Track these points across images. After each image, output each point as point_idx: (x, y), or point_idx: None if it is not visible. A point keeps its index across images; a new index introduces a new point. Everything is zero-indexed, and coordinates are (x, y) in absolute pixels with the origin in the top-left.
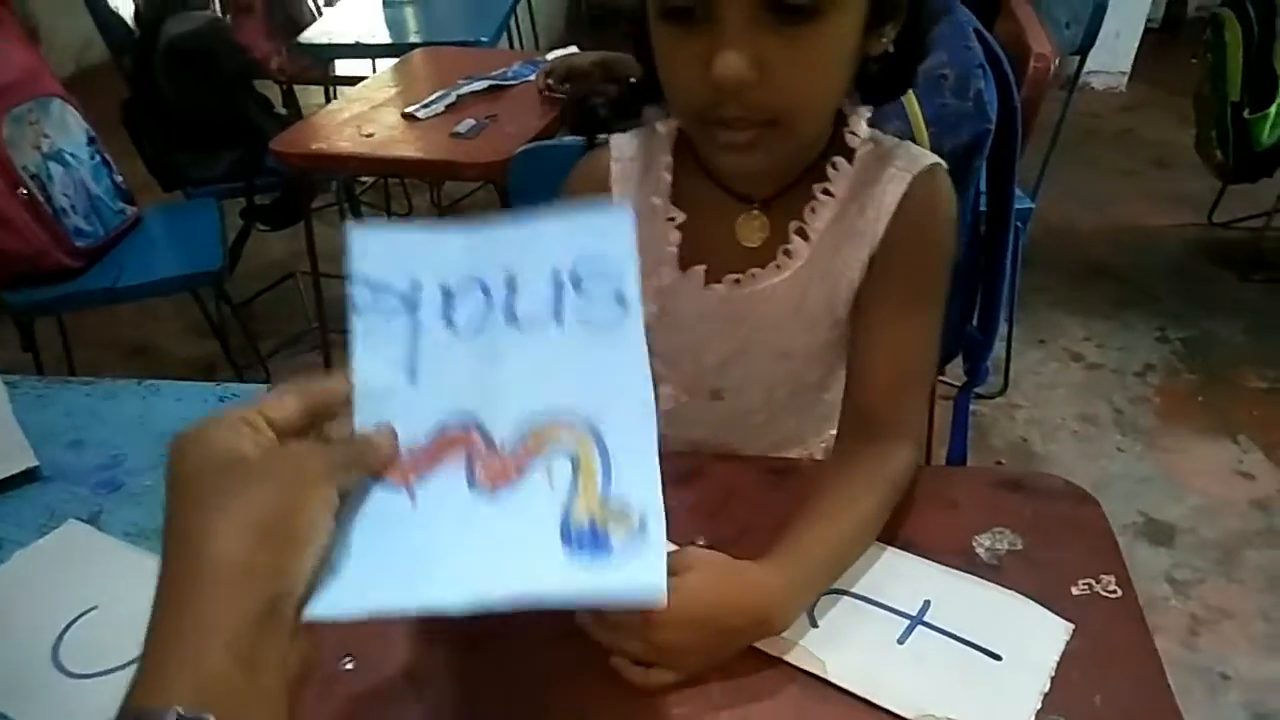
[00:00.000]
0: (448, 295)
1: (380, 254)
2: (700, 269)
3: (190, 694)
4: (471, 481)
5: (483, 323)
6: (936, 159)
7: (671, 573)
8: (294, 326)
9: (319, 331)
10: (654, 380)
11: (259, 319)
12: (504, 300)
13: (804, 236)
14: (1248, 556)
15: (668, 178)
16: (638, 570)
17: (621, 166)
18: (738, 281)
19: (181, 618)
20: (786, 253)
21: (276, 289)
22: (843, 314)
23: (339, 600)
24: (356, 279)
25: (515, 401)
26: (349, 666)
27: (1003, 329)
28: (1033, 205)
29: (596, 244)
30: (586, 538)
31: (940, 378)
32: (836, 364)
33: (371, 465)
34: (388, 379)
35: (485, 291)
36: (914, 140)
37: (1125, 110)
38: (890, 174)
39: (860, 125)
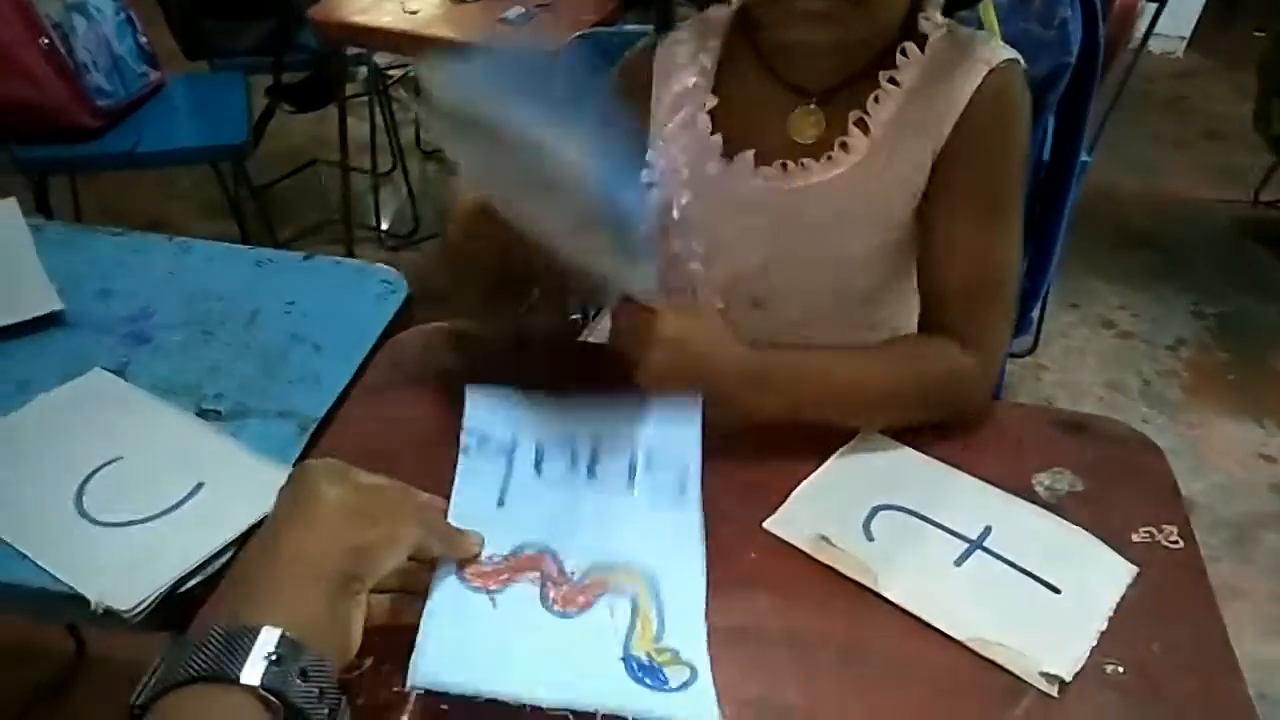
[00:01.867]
0: (540, 451)
1: (489, 409)
2: (749, 154)
3: (285, 622)
4: (544, 599)
5: (566, 477)
6: (1015, 55)
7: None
8: (313, 216)
9: (344, 225)
10: (692, 284)
11: (277, 205)
12: (587, 463)
13: (864, 130)
14: (1263, 538)
15: (707, 62)
16: (693, 698)
17: (667, 53)
18: (785, 169)
19: (291, 563)
20: (844, 146)
21: (297, 176)
22: (900, 217)
23: (431, 672)
24: (469, 430)
25: (587, 541)
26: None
27: None
28: (1088, 160)
29: (667, 431)
30: (645, 667)
31: None
32: (888, 275)
33: (456, 547)
34: (480, 505)
35: (573, 455)
36: None
37: (1180, 78)
38: (965, 65)
39: (935, 12)
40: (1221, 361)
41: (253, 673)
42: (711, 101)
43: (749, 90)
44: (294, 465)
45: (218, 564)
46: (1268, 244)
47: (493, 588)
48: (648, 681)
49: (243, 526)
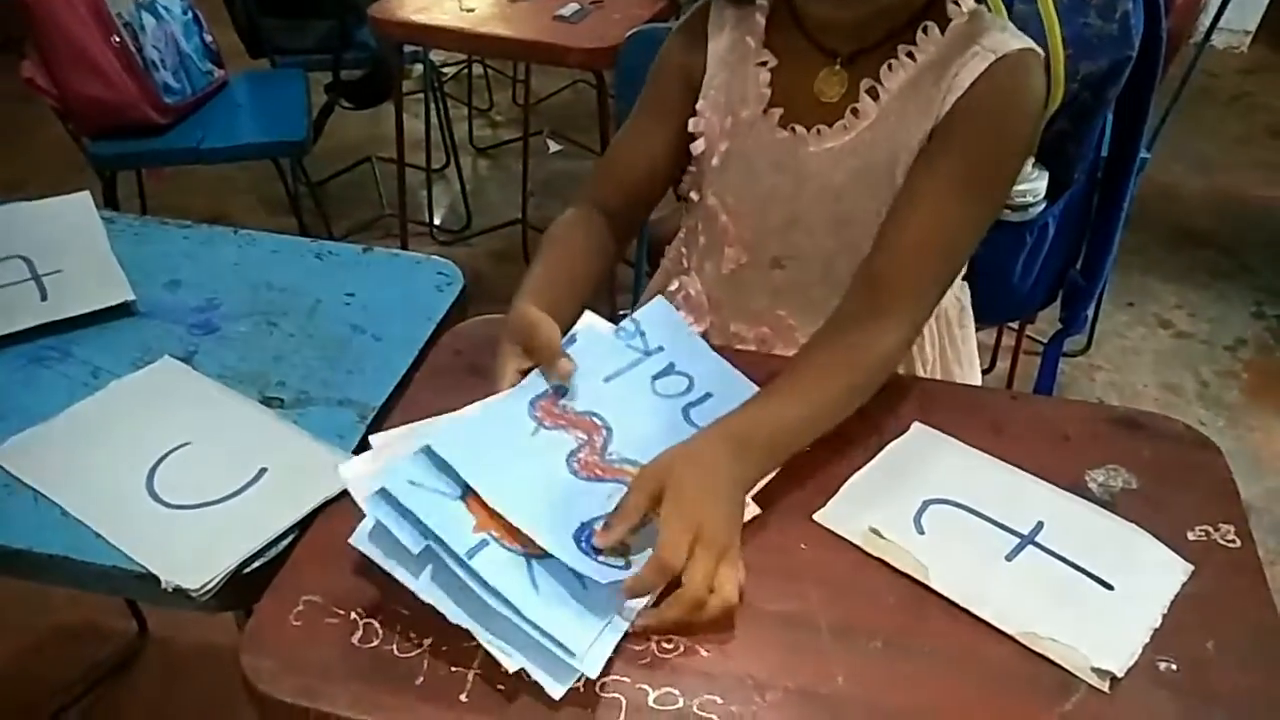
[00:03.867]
0: (665, 369)
1: (665, 321)
2: (777, 111)
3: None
4: (572, 455)
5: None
6: (1034, 46)
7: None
8: (367, 212)
9: (399, 219)
10: (720, 238)
11: (332, 200)
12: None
13: (874, 96)
14: None
15: (761, 21)
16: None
17: (720, 10)
18: (805, 130)
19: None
20: (854, 112)
21: (351, 172)
22: (900, 184)
23: (445, 441)
24: (637, 319)
25: (639, 441)
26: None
27: None
28: (1147, 156)
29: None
30: (590, 544)
31: (1028, 331)
32: None
33: (552, 362)
34: (594, 369)
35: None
36: (1048, 64)
37: (1244, 73)
38: (974, 50)
39: None
40: None
41: None
42: (773, 61)
43: (789, 48)
44: (352, 452)
45: (281, 545)
46: None
47: (546, 423)
48: (582, 547)
49: (305, 509)
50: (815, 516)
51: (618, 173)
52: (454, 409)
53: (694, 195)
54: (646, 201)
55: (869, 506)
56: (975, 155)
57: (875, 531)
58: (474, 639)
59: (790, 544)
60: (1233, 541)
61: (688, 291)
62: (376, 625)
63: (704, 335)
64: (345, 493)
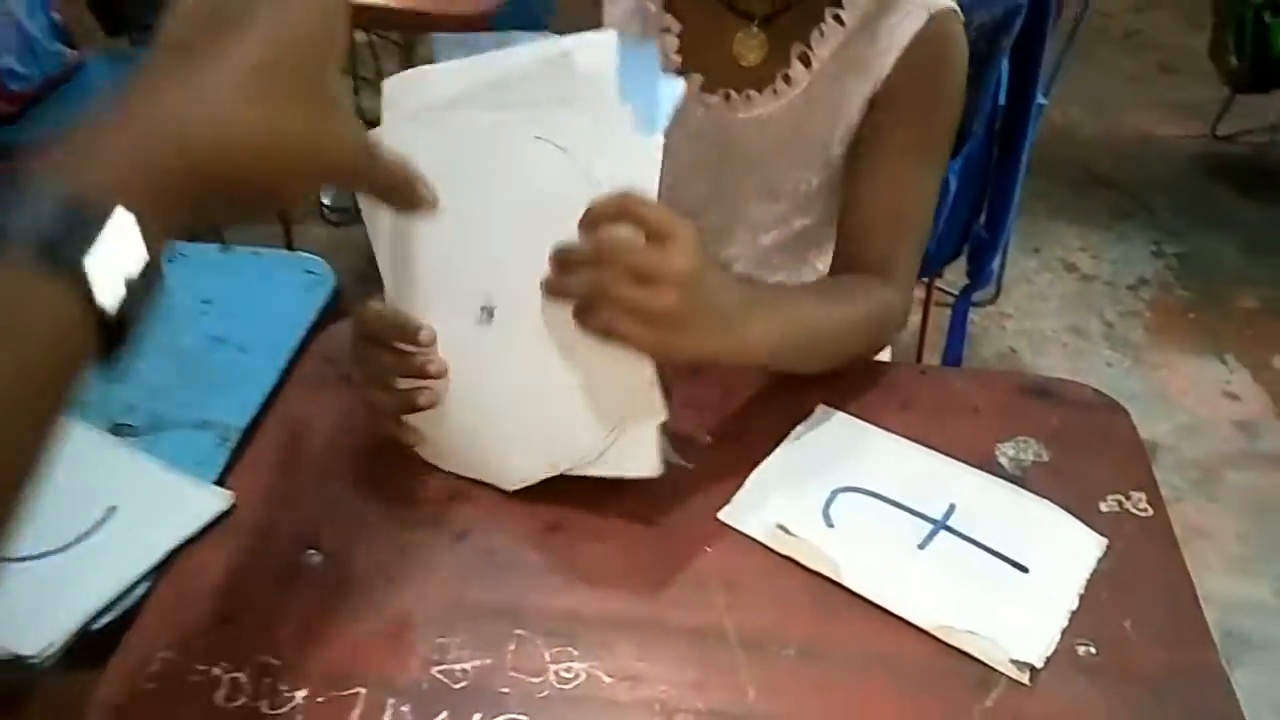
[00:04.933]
0: None
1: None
2: (698, 78)
3: None
4: None
5: None
6: (953, 4)
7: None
8: None
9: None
10: None
11: None
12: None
13: (806, 63)
14: (1228, 477)
15: None
16: None
17: None
18: (729, 98)
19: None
20: (786, 79)
21: None
22: (837, 153)
23: None
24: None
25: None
26: (315, 560)
27: None
28: (1044, 102)
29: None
30: None
31: (937, 284)
32: (825, 216)
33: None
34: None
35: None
36: None
37: (1136, 11)
38: (906, 9)
39: None
40: (1183, 300)
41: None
42: (677, 26)
43: (695, 13)
44: (214, 482)
45: (133, 596)
46: (1226, 180)
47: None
48: None
49: (160, 552)
50: (720, 515)
51: None
52: (328, 424)
53: None
54: None
55: (775, 500)
56: (925, 120)
57: (783, 528)
58: (353, 686)
59: (694, 548)
60: (1145, 510)
61: None
62: (243, 680)
63: None
64: (206, 530)
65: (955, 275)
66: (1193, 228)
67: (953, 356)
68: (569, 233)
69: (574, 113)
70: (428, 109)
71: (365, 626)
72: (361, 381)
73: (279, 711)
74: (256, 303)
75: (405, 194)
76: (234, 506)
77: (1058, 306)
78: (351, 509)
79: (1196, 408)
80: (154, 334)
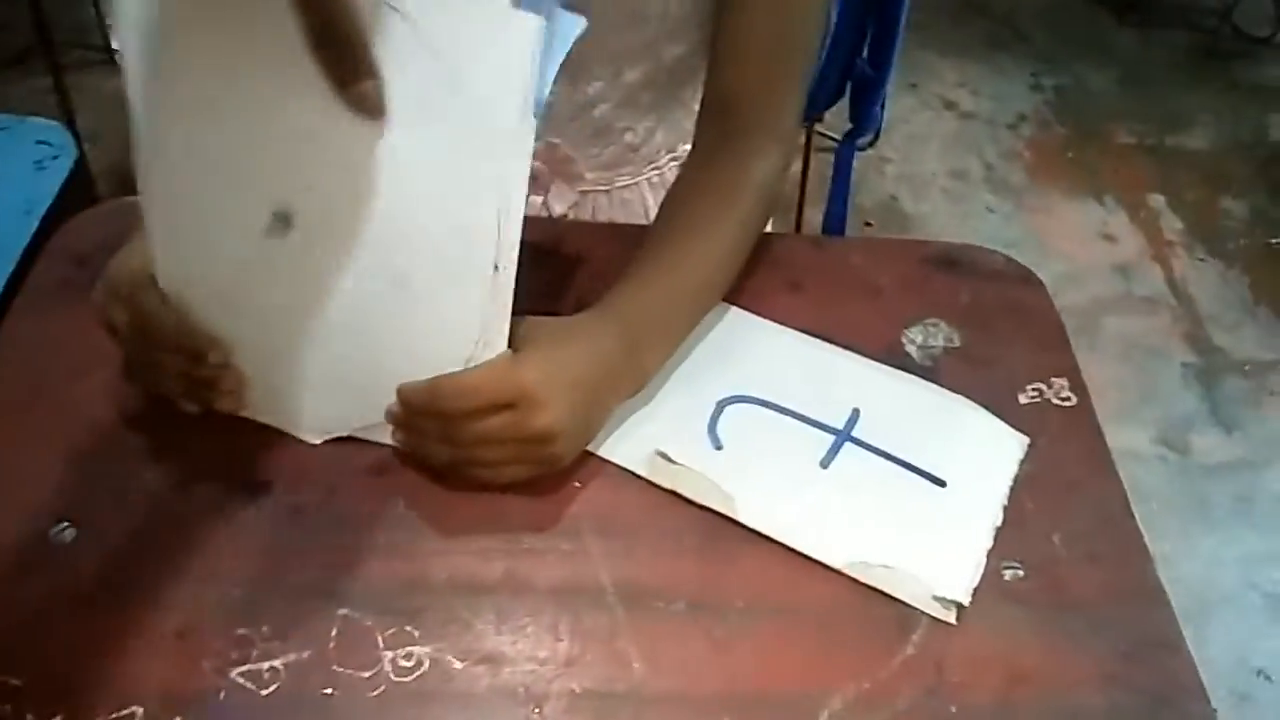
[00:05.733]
0: None
1: None
2: None
3: None
4: None
5: None
6: None
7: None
8: (13, 41)
9: (41, 44)
10: None
11: None
12: None
13: None
14: (1107, 324)
15: None
16: None
17: None
18: None
19: None
20: None
21: None
22: None
23: None
24: None
25: None
26: (65, 536)
27: None
28: None
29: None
30: None
31: (818, 128)
32: (697, 42)
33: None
34: None
35: None
36: None
37: None
38: None
39: None
40: (1061, 137)
41: None
42: None
43: None
44: None
45: None
46: (1102, 4)
47: None
48: None
49: None
50: (590, 445)
51: None
52: (76, 350)
53: None
54: None
55: (651, 420)
56: None
57: (663, 455)
58: (126, 705)
59: (559, 486)
60: (1067, 399)
61: None
62: None
63: None
64: None
65: (834, 119)
66: (1069, 57)
67: (836, 214)
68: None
69: None
70: None
71: (136, 623)
72: (125, 361)
73: None
74: None
75: None
76: None
77: (938, 149)
78: (112, 466)
79: (1075, 252)
80: None
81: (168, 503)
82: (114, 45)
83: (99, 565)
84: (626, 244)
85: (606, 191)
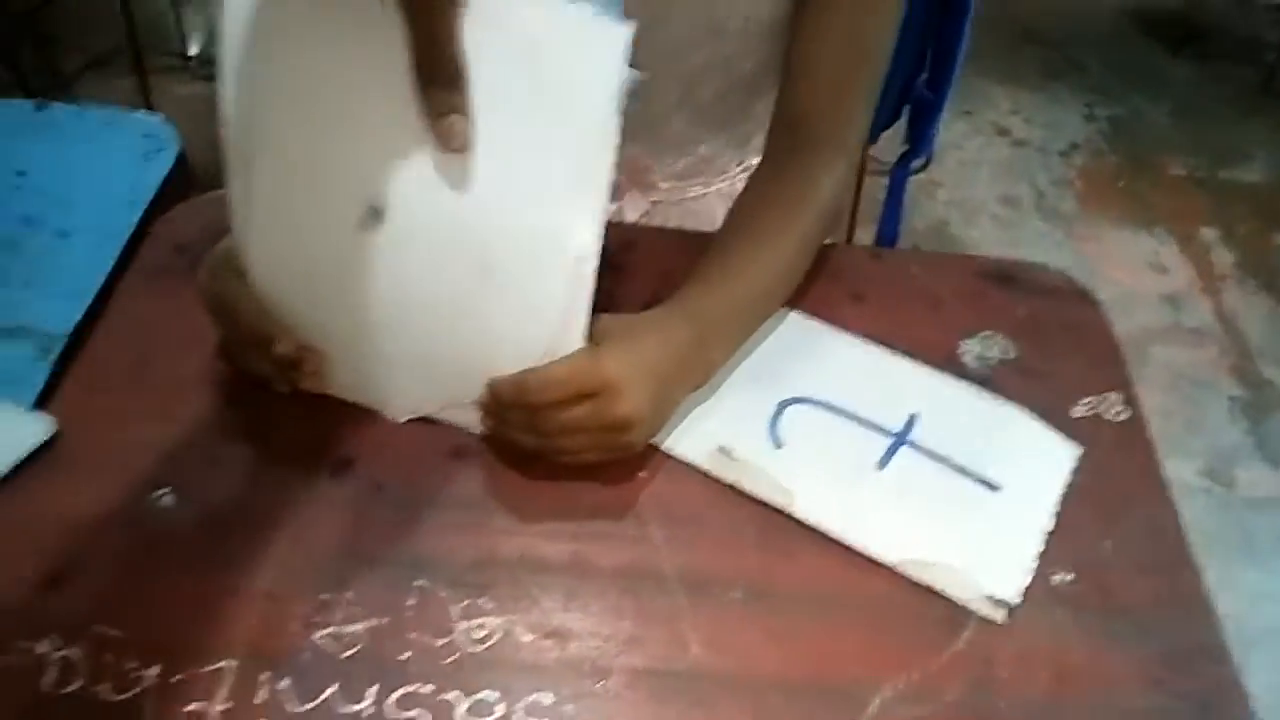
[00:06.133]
0: None
1: None
2: None
3: None
4: None
5: None
6: None
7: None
8: (100, 42)
9: (130, 51)
10: None
11: (51, 32)
12: None
13: None
14: (1154, 353)
15: None
16: None
17: None
18: None
19: None
20: None
21: None
22: None
23: None
24: None
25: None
26: (164, 502)
27: None
28: None
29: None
30: None
31: (870, 153)
32: (769, 56)
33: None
34: None
35: None
36: None
37: None
38: None
39: None
40: (1113, 166)
41: None
42: None
43: None
44: (33, 405)
45: None
46: (1158, 36)
47: None
48: None
49: None
50: (655, 439)
51: None
52: (176, 330)
53: None
54: None
55: (715, 417)
56: None
57: (725, 451)
58: (218, 659)
59: (626, 476)
60: (1121, 413)
61: None
62: (77, 658)
63: None
64: (22, 466)
65: (885, 143)
66: (1124, 88)
67: (889, 231)
68: (489, 120)
69: None
70: None
71: (229, 584)
72: (219, 343)
73: (125, 696)
74: (81, 175)
75: None
76: (58, 435)
77: (988, 175)
78: (208, 438)
79: (1124, 280)
80: None
81: (260, 474)
82: (190, 52)
83: (195, 530)
84: (693, 250)
85: (678, 202)
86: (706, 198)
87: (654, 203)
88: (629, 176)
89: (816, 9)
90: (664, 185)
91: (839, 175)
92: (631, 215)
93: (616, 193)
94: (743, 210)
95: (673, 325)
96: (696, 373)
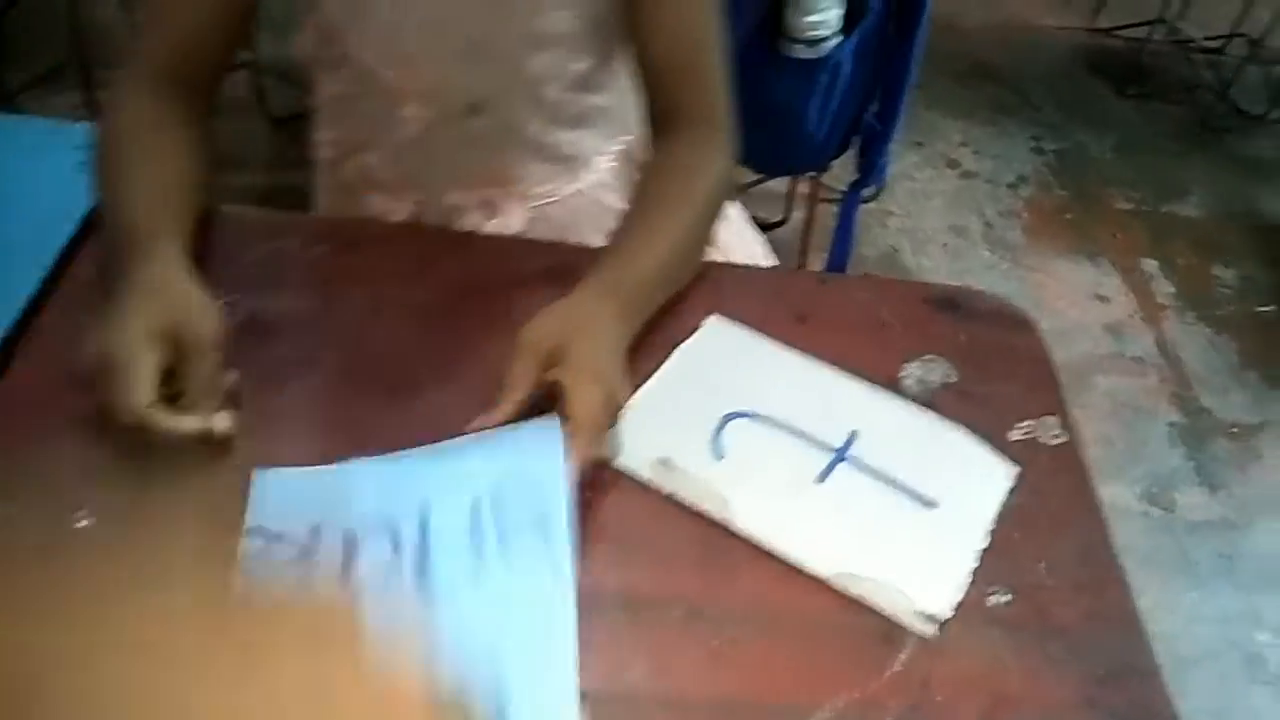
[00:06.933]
0: (350, 544)
1: (281, 500)
2: None
3: None
4: None
5: (386, 580)
6: None
7: None
8: (47, 58)
9: (77, 66)
10: (389, 99)
11: (9, 37)
12: (415, 550)
13: None
14: (1096, 382)
15: None
16: None
17: None
18: None
19: None
20: None
21: (18, 5)
22: None
23: None
24: (252, 531)
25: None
26: (84, 523)
27: None
28: None
29: (522, 463)
30: None
31: (823, 179)
32: (601, 55)
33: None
34: None
35: (395, 542)
36: None
37: None
38: None
39: None
40: (1060, 200)
41: None
42: None
43: None
44: None
45: None
46: (1104, 74)
47: None
48: None
49: None
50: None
51: (175, 29)
52: None
53: (326, 56)
54: (223, 63)
55: (659, 428)
56: None
57: (665, 463)
58: None
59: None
60: (1056, 436)
61: (371, 174)
62: None
63: (415, 216)
64: None
65: (840, 171)
66: (1071, 124)
67: (839, 258)
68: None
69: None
70: None
71: None
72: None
73: None
74: (16, 188)
75: None
76: None
77: (940, 205)
78: (129, 458)
79: (1067, 310)
80: None
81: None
82: None
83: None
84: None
85: (556, 201)
86: (582, 193)
87: (533, 209)
88: (503, 190)
89: (651, 7)
90: (538, 189)
91: (726, 152)
92: (516, 225)
93: (493, 208)
94: (643, 191)
95: (601, 310)
96: (627, 338)
